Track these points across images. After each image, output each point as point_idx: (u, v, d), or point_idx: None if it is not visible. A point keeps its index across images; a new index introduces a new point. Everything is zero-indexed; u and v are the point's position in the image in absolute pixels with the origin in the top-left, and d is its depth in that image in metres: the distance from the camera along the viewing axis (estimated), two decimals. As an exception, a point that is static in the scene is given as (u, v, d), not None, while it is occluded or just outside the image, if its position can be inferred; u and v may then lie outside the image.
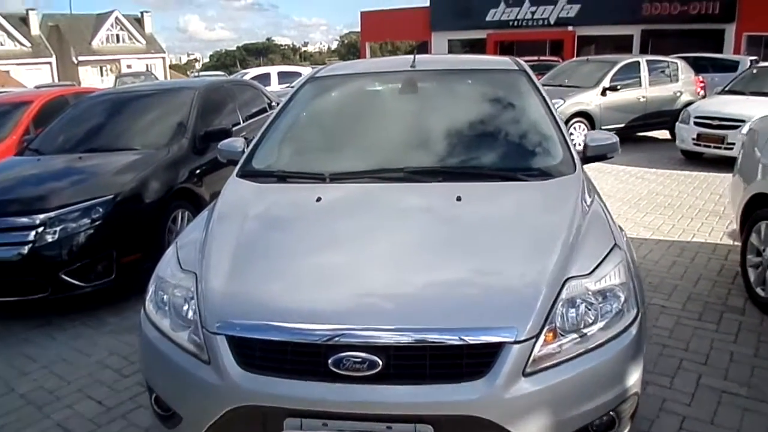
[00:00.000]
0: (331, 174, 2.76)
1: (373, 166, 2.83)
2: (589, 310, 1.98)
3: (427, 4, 34.36)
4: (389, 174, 2.73)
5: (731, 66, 17.82)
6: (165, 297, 2.20)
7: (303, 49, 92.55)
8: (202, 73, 34.50)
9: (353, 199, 2.62)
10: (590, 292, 2.01)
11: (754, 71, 10.78)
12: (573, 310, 1.96)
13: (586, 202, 2.53)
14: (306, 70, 19.25)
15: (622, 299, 2.04)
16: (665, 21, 27.54)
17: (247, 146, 3.17)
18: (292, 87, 3.61)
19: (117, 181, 4.24)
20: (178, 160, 4.80)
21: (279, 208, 2.65)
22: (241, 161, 3.03)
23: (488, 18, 31.91)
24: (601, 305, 2.00)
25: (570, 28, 29.96)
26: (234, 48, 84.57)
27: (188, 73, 52.02)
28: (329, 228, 2.40)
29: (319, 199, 2.55)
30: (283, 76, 16.15)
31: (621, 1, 28.01)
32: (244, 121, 6.10)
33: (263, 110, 6.80)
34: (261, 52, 78.34)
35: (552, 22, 30.60)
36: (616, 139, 3.06)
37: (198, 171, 4.96)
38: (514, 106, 3.22)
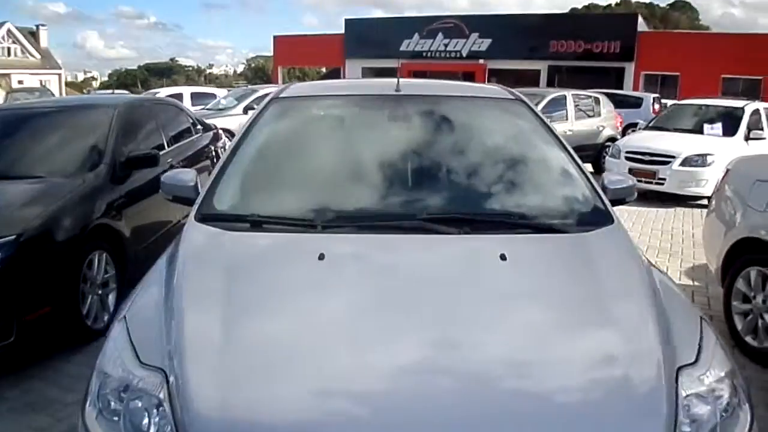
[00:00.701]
0: (324, 221, 2.16)
1: (373, 209, 2.26)
2: (706, 412, 1.50)
3: (342, 31, 34.30)
4: (398, 221, 2.16)
5: (636, 102, 18.78)
6: (114, 404, 1.51)
7: (208, 70, 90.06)
8: (99, 92, 32.45)
9: (366, 258, 2.01)
10: (704, 388, 1.53)
11: (672, 109, 11.22)
12: (694, 412, 1.47)
13: (644, 259, 2.09)
14: (221, 92, 18.33)
15: (734, 394, 1.58)
16: (570, 58, 28.91)
17: (201, 181, 2.52)
18: (254, 108, 2.94)
19: (19, 217, 3.38)
20: (94, 190, 3.97)
21: (269, 270, 1.96)
22: (199, 201, 2.35)
23: (403, 48, 32.23)
24: (717, 404, 1.53)
25: (481, 61, 30.80)
26: (135, 67, 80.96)
27: (84, 91, 48.97)
28: (347, 304, 1.77)
29: (321, 257, 1.92)
30: (197, 97, 15.17)
31: (529, 38, 29.21)
32: (169, 145, 5.31)
33: (188, 132, 6.04)
34: (164, 72, 75.50)
35: (464, 55, 31.36)
36: (634, 181, 2.71)
37: (118, 203, 4.15)
38: (526, 140, 2.75)
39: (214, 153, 6.53)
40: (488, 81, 28.61)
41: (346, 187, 2.44)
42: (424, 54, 32.03)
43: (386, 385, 1.46)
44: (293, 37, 36.00)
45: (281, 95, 2.96)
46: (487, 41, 30.63)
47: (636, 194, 2.70)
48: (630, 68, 28.28)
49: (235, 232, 2.13)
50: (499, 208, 2.33)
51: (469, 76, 30.32)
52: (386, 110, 2.83)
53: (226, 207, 2.35)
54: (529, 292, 1.82)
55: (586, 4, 67.08)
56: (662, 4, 64.41)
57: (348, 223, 2.15)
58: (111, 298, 3.97)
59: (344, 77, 33.44)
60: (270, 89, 13.71)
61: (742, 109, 9.52)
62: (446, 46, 31.65)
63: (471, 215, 2.22)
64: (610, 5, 65.16)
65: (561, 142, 2.74)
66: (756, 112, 9.62)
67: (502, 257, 1.93)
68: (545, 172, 2.56)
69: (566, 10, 53.07)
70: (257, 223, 2.17)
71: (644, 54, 28.01)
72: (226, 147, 6.96)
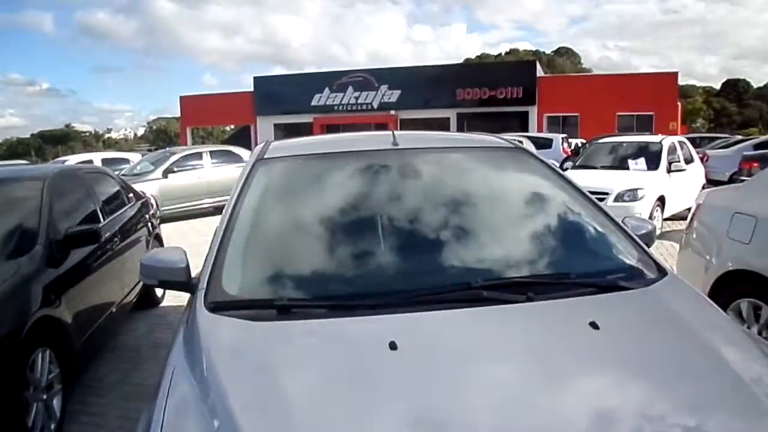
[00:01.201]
0: (369, 301, 1.80)
1: (421, 282, 1.93)
2: None
3: (250, 88, 34.04)
4: (455, 293, 1.85)
5: (546, 144, 19.53)
6: None
7: (107, 135, 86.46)
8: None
9: (444, 343, 1.64)
10: None
11: (593, 147, 11.64)
12: None
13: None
14: (134, 156, 17.41)
15: None
16: (477, 104, 30.06)
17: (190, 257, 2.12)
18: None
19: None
20: (30, 277, 3.40)
21: (334, 368, 1.55)
22: (204, 286, 1.93)
23: (314, 102, 32.39)
24: None
25: (392, 112, 31.39)
26: (28, 135, 76.58)
27: (-29, 163, 45.52)
28: (450, 400, 1.41)
29: (393, 347, 1.57)
30: (108, 163, 14.25)
31: (437, 88, 30.15)
32: (104, 217, 4.76)
33: (120, 201, 5.49)
34: (59, 139, 71.82)
35: (375, 107, 31.87)
36: (654, 225, 2.58)
37: (57, 289, 3.58)
38: (548, 192, 2.54)
39: (150, 222, 6.00)
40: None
41: (376, 258, 2.11)
42: (336, 107, 32.30)
43: None
44: (201, 96, 35.32)
45: (265, 156, 2.61)
46: (397, 92, 31.34)
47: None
48: (533, 111, 29.70)
49: (267, 323, 1.73)
50: (554, 267, 2.08)
51: (381, 127, 30.79)
52: (391, 167, 2.56)
53: (240, 291, 1.95)
54: (645, 367, 1.55)
55: (479, 54, 70.94)
56: (548, 51, 68.97)
57: (399, 302, 1.81)
58: (57, 403, 3.37)
59: (255, 135, 33.05)
60: (191, 151, 13.16)
61: (660, 143, 9.99)
62: (357, 98, 32.08)
63: (529, 278, 1.95)
64: (500, 54, 69.16)
65: (580, 190, 2.56)
66: (672, 145, 10.11)
67: (593, 325, 1.67)
68: (581, 225, 2.34)
69: (461, 60, 55.55)
70: (286, 308, 1.78)
71: (545, 97, 29.55)
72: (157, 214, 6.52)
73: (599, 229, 2.30)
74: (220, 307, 1.83)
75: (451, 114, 30.23)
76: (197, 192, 12.00)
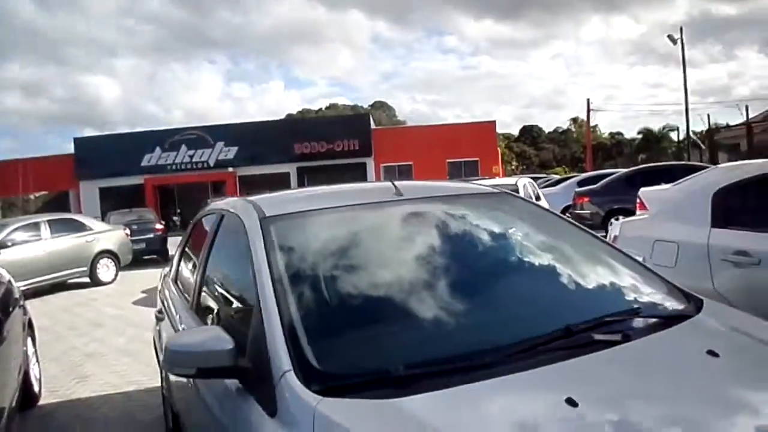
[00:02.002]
0: (495, 357, 1.63)
1: (520, 332, 1.80)
2: None
3: (70, 151, 31.27)
4: (565, 341, 1.72)
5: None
6: None
7: None
8: None
9: (614, 393, 1.53)
10: None
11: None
12: None
13: None
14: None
15: None
16: (317, 158, 30.37)
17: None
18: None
19: None
20: None
21: None
22: (288, 366, 1.61)
23: (144, 163, 30.55)
24: None
25: (230, 169, 30.60)
26: None
27: None
28: None
29: (572, 403, 1.41)
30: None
31: (275, 143, 30.04)
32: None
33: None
34: None
35: (212, 165, 30.88)
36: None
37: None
38: (560, 232, 2.59)
39: (21, 307, 5.08)
40: (240, 189, 28.41)
41: (460, 312, 1.95)
42: (169, 167, 30.74)
43: None
44: (9, 162, 31.56)
45: (268, 214, 2.32)
46: (234, 149, 30.68)
47: None
48: (370, 162, 30.72)
49: (414, 396, 1.46)
50: (617, 305, 2.05)
51: (219, 186, 29.85)
52: (409, 217, 2.45)
53: (340, 367, 1.67)
54: None
55: (300, 110, 72.33)
56: (365, 105, 72.32)
57: (526, 353, 1.67)
58: None
59: (78, 201, 30.25)
60: (25, 221, 11.48)
61: (516, 184, 10.76)
62: (192, 157, 30.84)
63: (612, 317, 1.90)
64: (321, 109, 71.08)
65: (581, 227, 2.63)
66: (524, 184, 10.97)
67: (712, 353, 1.67)
68: (607, 262, 2.36)
69: (282, 116, 55.78)
70: (403, 380, 1.52)
71: (380, 148, 30.76)
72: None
73: (622, 263, 2.34)
74: (332, 390, 1.52)
75: (290, 169, 30.20)
76: (36, 268, 10.55)
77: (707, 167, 11.58)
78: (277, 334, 1.70)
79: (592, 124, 42.08)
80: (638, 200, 8.28)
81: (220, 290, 2.58)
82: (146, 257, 15.13)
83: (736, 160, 14.96)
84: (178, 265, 3.60)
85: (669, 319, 1.93)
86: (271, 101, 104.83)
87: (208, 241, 2.82)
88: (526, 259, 2.36)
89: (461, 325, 1.89)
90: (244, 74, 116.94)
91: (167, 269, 4.32)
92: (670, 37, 28.80)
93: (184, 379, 2.51)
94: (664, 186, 9.48)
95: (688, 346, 1.76)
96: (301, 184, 28.05)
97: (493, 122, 34.06)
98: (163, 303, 3.64)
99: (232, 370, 1.77)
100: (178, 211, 29.95)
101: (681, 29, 29.29)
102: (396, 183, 2.60)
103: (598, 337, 1.74)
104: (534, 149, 68.14)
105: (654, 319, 1.91)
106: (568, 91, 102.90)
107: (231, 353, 1.74)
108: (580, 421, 1.39)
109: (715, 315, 2.00)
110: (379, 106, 73.87)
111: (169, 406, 3.58)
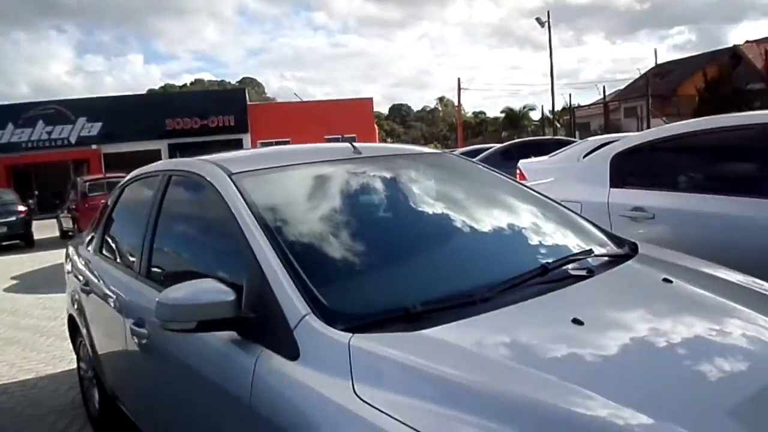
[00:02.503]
0: (489, 289, 1.78)
1: (507, 270, 1.97)
2: None
3: None
4: (545, 276, 1.93)
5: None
6: None
7: None
8: None
9: (611, 314, 1.78)
10: None
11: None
12: None
13: None
14: None
15: None
16: (190, 134, 29.13)
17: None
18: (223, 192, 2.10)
19: None
20: None
21: (574, 356, 1.52)
22: (308, 307, 1.65)
23: (-6, 140, 27.70)
24: None
25: (94, 146, 28.58)
26: None
27: None
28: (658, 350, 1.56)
29: (578, 322, 1.59)
30: None
31: (144, 119, 28.41)
32: None
33: None
34: None
35: (73, 142, 28.68)
36: None
37: None
38: (508, 186, 2.80)
39: None
40: (106, 168, 26.62)
41: (452, 254, 2.15)
42: (24, 145, 28.11)
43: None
44: None
45: (234, 171, 2.30)
46: (98, 125, 28.66)
47: None
48: (247, 138, 29.99)
49: (435, 328, 1.58)
50: (574, 248, 2.29)
51: (81, 165, 27.81)
52: (377, 171, 2.58)
53: (354, 307, 1.74)
54: (726, 309, 1.84)
55: (162, 85, 68.77)
56: (232, 81, 70.29)
57: (516, 286, 1.84)
58: None
59: None
60: None
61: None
62: (50, 134, 28.41)
63: (574, 257, 2.14)
64: (185, 84, 68.01)
65: (523, 183, 2.88)
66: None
67: (666, 280, 1.96)
68: (556, 211, 2.61)
69: (143, 92, 52.64)
70: (416, 316, 1.64)
71: (257, 125, 30.13)
72: None
73: (567, 213, 2.61)
74: (357, 328, 1.59)
75: (161, 146, 28.72)
76: None
77: (573, 141, 12.65)
78: (285, 282, 1.74)
79: (457, 103, 43.97)
80: (518, 171, 8.90)
81: (184, 252, 2.55)
82: (7, 243, 13.90)
83: (588, 136, 16.58)
84: (104, 235, 3.44)
85: (618, 257, 2.20)
86: (129, 76, 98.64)
87: (153, 205, 2.74)
88: (492, 209, 2.55)
89: (454, 266, 2.06)
90: (98, 46, 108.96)
91: (75, 244, 4.09)
92: (538, 19, 31.02)
93: (136, 350, 2.49)
94: (540, 158, 10.26)
95: (645, 276, 2.04)
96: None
97: (371, 99, 34.52)
98: (82, 277, 3.48)
99: (232, 322, 1.78)
100: (36, 193, 27.50)
101: (548, 13, 31.55)
102: (353, 144, 2.69)
103: (571, 272, 1.96)
104: (403, 127, 70.00)
105: (606, 258, 2.17)
106: (434, 71, 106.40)
107: (233, 304, 1.76)
108: (590, 334, 1.60)
109: (652, 252, 2.31)
110: (248, 82, 71.97)
111: (96, 386, 3.45)
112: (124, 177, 3.65)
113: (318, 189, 2.39)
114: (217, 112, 29.75)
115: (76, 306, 3.64)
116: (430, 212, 2.40)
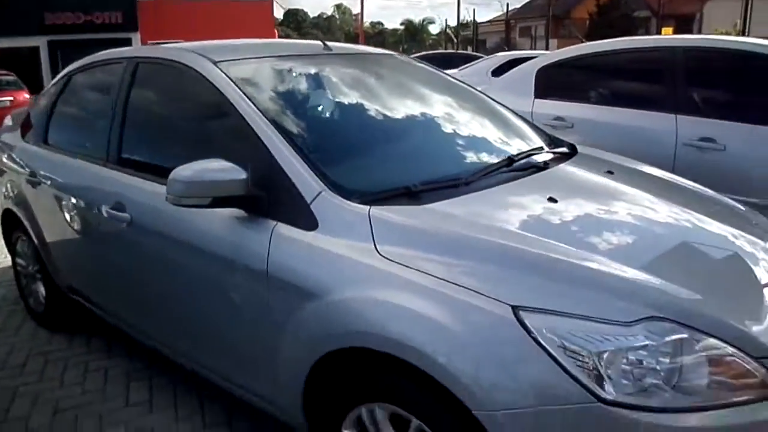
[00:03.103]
0: (471, 175, 2.08)
1: (474, 162, 2.29)
2: None
3: None
4: (512, 165, 2.26)
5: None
6: None
7: None
8: None
9: (581, 193, 2.18)
10: None
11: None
12: None
13: None
14: None
15: None
16: (72, 31, 26.74)
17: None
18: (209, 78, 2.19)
19: None
20: None
21: (554, 222, 1.87)
22: (322, 184, 1.89)
23: None
24: None
25: (-43, 41, 25.56)
26: None
27: None
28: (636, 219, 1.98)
29: (553, 200, 1.96)
30: None
31: (17, 11, 25.61)
32: None
33: None
34: None
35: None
36: None
37: None
38: (460, 87, 3.06)
39: None
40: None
41: (423, 141, 2.43)
42: None
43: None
44: None
45: (218, 59, 2.37)
46: (-37, 16, 25.53)
47: None
48: (136, 38, 27.99)
49: (434, 204, 1.87)
50: (530, 144, 2.62)
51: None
52: (353, 67, 2.78)
53: (366, 185, 1.95)
54: (666, 197, 2.28)
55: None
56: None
57: (490, 173, 2.15)
58: None
59: None
60: None
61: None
62: None
63: (531, 152, 2.48)
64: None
65: (466, 83, 3.18)
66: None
67: (609, 172, 2.37)
68: (503, 112, 2.93)
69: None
70: (415, 194, 1.91)
71: (148, 24, 28.12)
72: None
73: (515, 115, 2.94)
74: (371, 202, 1.84)
75: (40, 42, 26.26)
76: None
77: (480, 56, 13.07)
78: (296, 162, 1.94)
79: (355, 12, 43.05)
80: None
81: (167, 139, 2.62)
82: None
83: (484, 53, 17.24)
84: (47, 125, 3.36)
85: (563, 155, 2.57)
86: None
87: (119, 92, 2.76)
88: (459, 108, 2.81)
89: (439, 154, 2.37)
90: None
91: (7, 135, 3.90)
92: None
93: (112, 236, 2.61)
94: (450, 71, 10.57)
95: (591, 168, 2.43)
96: (54, 61, 24.81)
97: (270, 1, 32.97)
98: (26, 168, 3.36)
99: (243, 199, 1.96)
100: None
101: None
102: (322, 41, 2.86)
103: (534, 162, 2.32)
104: (298, 34, 67.71)
105: (553, 154, 2.53)
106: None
107: (245, 182, 1.93)
108: (565, 208, 1.96)
109: (590, 152, 2.71)
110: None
111: (41, 282, 3.51)
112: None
113: (304, 80, 2.55)
114: (104, 7, 27.39)
115: (14, 200, 3.54)
116: (410, 106, 2.66)
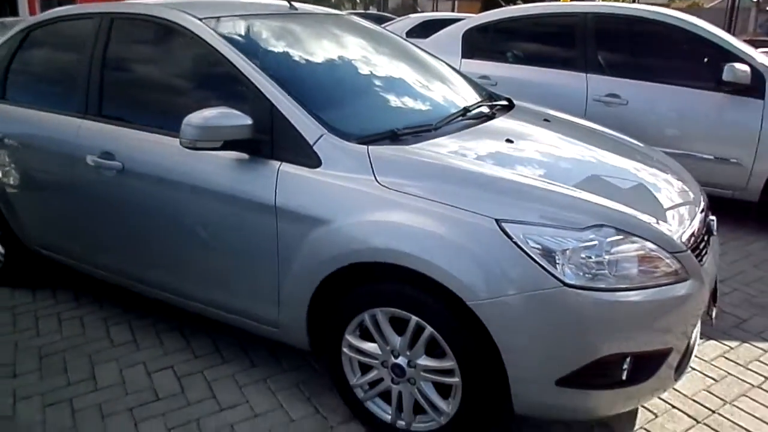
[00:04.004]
0: (438, 122, 2.43)
1: (447, 108, 2.69)
2: None
3: None
4: (468, 113, 2.65)
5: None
6: None
7: None
8: None
9: (527, 133, 2.60)
10: None
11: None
12: None
13: None
14: None
15: None
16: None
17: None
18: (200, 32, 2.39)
19: None
20: None
21: (513, 154, 2.31)
22: (323, 128, 2.21)
23: None
24: None
25: None
26: None
27: None
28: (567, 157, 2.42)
29: (510, 141, 2.39)
30: None
31: None
32: None
33: None
34: None
35: None
36: None
37: None
38: (405, 44, 3.40)
39: None
40: None
41: (393, 93, 2.77)
42: None
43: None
44: None
45: (202, 16, 2.58)
46: None
47: None
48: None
49: (418, 144, 2.23)
50: (476, 97, 3.00)
51: None
52: (323, 25, 3.07)
53: (359, 129, 2.26)
54: (587, 135, 2.79)
55: None
56: None
57: (452, 121, 2.52)
58: None
59: None
60: None
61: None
62: None
63: (479, 103, 2.87)
64: None
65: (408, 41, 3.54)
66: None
67: (547, 120, 2.81)
68: (447, 70, 3.30)
69: None
70: (397, 137, 2.26)
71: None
72: None
73: (459, 74, 3.32)
74: (366, 142, 2.17)
75: None
76: None
77: (393, 17, 13.40)
78: (296, 110, 2.23)
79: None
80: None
81: (152, 92, 2.78)
82: None
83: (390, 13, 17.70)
84: (5, 81, 3.34)
85: (504, 107, 2.99)
86: None
87: (93, 48, 2.87)
88: (415, 65, 3.14)
89: (408, 105, 2.71)
90: None
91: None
92: None
93: (99, 186, 2.75)
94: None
95: (531, 117, 2.87)
96: None
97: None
98: None
99: (249, 143, 2.24)
100: None
101: None
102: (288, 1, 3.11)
103: (484, 112, 2.73)
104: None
105: (498, 105, 2.95)
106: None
107: (251, 128, 2.21)
108: (520, 147, 2.39)
109: (525, 105, 3.13)
110: None
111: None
112: None
113: (283, 36, 2.78)
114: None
115: None
116: (381, 63, 3.01)
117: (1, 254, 3.58)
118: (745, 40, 5.17)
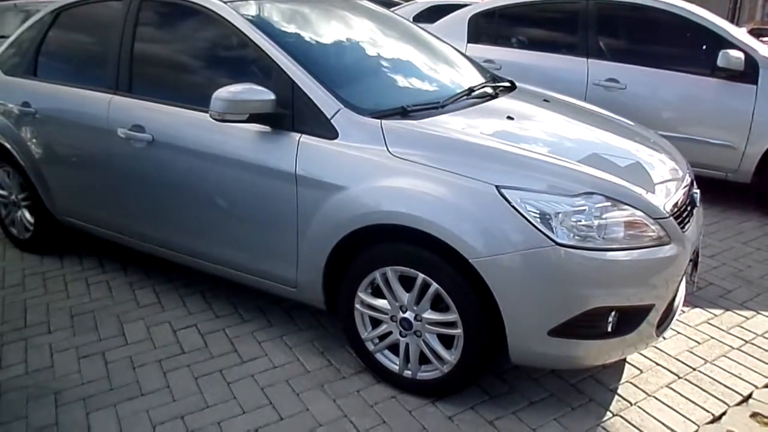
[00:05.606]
0: (444, 101, 2.64)
1: (454, 88, 2.88)
2: None
3: None
4: (473, 93, 2.84)
5: None
6: None
7: None
8: None
9: (520, 113, 2.73)
10: None
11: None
12: None
13: None
14: None
15: None
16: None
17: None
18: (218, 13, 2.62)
19: None
20: None
21: (509, 127, 2.51)
22: (339, 106, 2.41)
23: None
24: None
25: None
26: None
27: None
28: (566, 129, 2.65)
29: (511, 118, 2.58)
30: None
31: None
32: None
33: None
34: None
35: None
36: None
37: None
38: (413, 26, 3.59)
39: None
40: None
41: (403, 73, 2.96)
42: None
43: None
44: None
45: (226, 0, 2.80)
46: None
47: None
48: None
49: (424, 119, 2.42)
50: (480, 79, 3.19)
51: None
52: (331, 10, 3.22)
53: (367, 104, 2.45)
54: (582, 111, 2.99)
55: None
56: None
57: (457, 100, 2.71)
58: None
59: None
60: None
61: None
62: None
63: (483, 84, 3.07)
64: None
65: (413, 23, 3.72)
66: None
67: (546, 101, 3.00)
68: (451, 52, 3.49)
69: None
70: (407, 113, 2.45)
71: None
72: None
73: (461, 55, 3.51)
74: (380, 117, 2.38)
75: None
76: None
77: (401, 2, 13.51)
78: (315, 87, 2.45)
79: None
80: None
81: (181, 71, 2.98)
82: None
83: None
84: (36, 59, 3.56)
85: (507, 88, 3.18)
86: None
87: (123, 28, 3.07)
88: (425, 47, 3.34)
89: (417, 84, 2.90)
90: None
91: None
92: None
93: (129, 158, 2.96)
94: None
95: (531, 97, 3.06)
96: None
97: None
98: (17, 98, 3.50)
99: (272, 117, 2.45)
100: None
101: None
102: None
103: (487, 92, 2.91)
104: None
105: (501, 86, 3.14)
106: None
107: (274, 103, 2.42)
108: (520, 124, 2.59)
109: (527, 87, 3.32)
110: None
111: (27, 210, 3.74)
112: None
113: (301, 18, 2.97)
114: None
115: (3, 130, 3.60)
116: (392, 44, 3.19)
117: (30, 223, 3.81)
118: (752, 29, 5.35)
